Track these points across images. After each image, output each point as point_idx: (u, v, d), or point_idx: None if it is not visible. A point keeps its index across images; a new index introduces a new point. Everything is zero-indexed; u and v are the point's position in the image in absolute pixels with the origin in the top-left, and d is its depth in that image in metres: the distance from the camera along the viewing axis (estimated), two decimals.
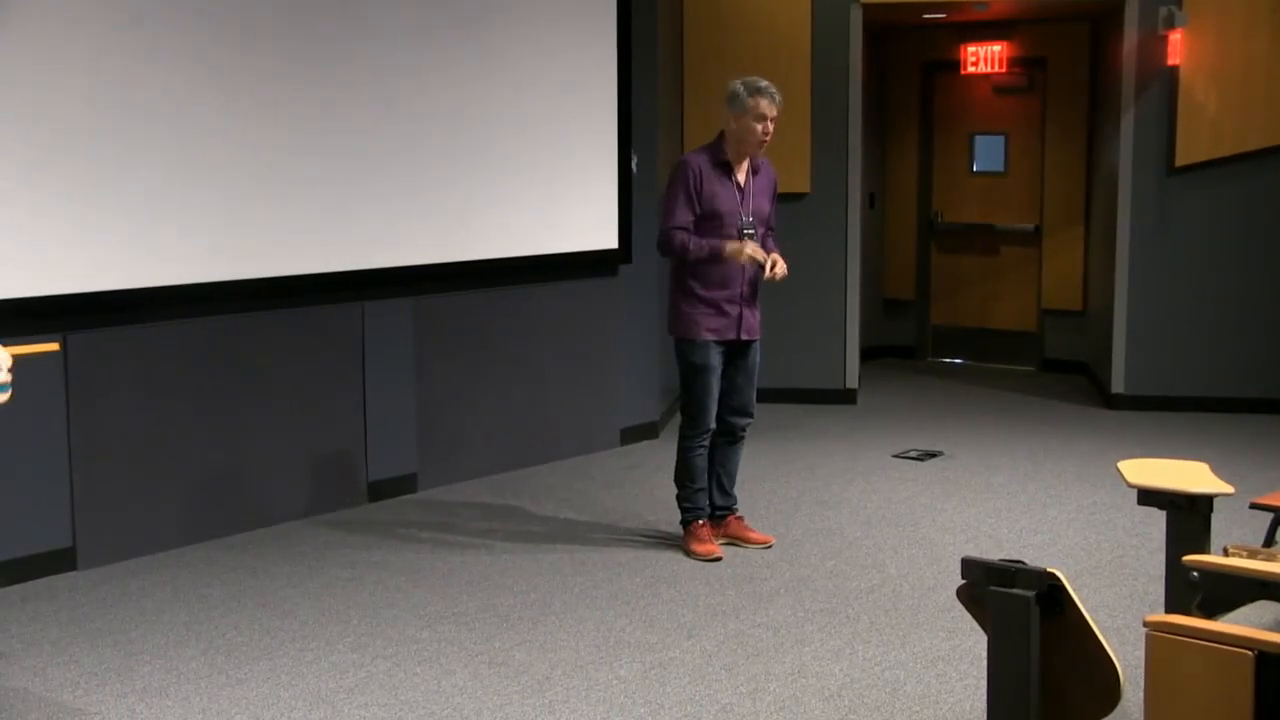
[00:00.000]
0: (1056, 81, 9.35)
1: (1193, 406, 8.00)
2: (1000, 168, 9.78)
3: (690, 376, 5.26)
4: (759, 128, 5.13)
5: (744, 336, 5.26)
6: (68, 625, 4.56)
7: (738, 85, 5.17)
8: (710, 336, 5.20)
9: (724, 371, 5.29)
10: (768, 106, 5.12)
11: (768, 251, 5.20)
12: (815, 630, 4.51)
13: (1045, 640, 2.96)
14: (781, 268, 5.17)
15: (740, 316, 5.23)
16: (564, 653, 4.31)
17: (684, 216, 5.16)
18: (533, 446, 6.73)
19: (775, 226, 5.45)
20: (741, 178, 5.24)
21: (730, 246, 5.10)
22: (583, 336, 6.93)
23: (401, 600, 4.81)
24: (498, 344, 6.54)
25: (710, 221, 5.17)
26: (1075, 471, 6.62)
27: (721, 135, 5.25)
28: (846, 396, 8.28)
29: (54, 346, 4.30)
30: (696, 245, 5.13)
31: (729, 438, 5.40)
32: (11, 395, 2.99)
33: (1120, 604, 4.72)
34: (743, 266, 5.19)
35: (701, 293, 5.19)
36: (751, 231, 5.21)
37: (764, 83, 5.17)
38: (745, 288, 5.23)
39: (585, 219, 6.84)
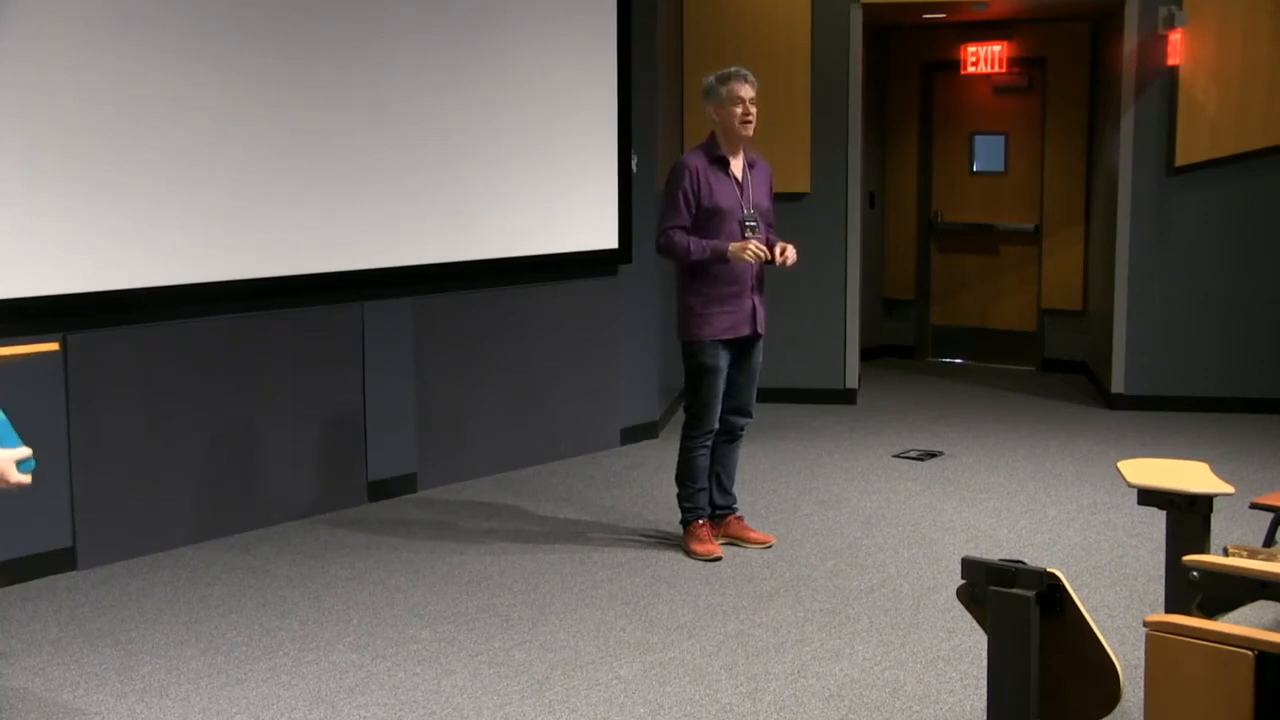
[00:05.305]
0: (1056, 81, 9.35)
1: (1193, 406, 8.00)
2: (1000, 168, 9.79)
3: (698, 377, 5.26)
4: (738, 111, 5.18)
5: (757, 330, 5.27)
6: (68, 625, 4.57)
7: (709, 79, 5.28)
8: (725, 336, 5.21)
9: (727, 371, 5.30)
10: (741, 88, 5.19)
11: (770, 247, 5.22)
12: (815, 630, 4.51)
13: (1045, 640, 2.96)
14: (791, 253, 5.20)
15: (753, 309, 5.25)
16: (564, 653, 4.32)
17: (680, 218, 5.17)
18: (533, 446, 6.73)
19: (774, 224, 5.46)
20: (739, 172, 5.26)
21: (733, 246, 5.11)
22: (583, 336, 6.93)
23: (401, 600, 4.81)
24: (498, 344, 6.54)
25: (713, 218, 5.18)
26: (1075, 471, 6.62)
27: (712, 134, 5.28)
28: (846, 396, 8.28)
29: (54, 346, 4.29)
30: (698, 246, 5.14)
31: (728, 437, 5.41)
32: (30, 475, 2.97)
33: (1120, 604, 4.72)
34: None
35: (713, 291, 5.19)
36: (754, 224, 5.22)
37: (733, 69, 5.26)
38: (754, 280, 5.25)
39: (585, 219, 6.84)
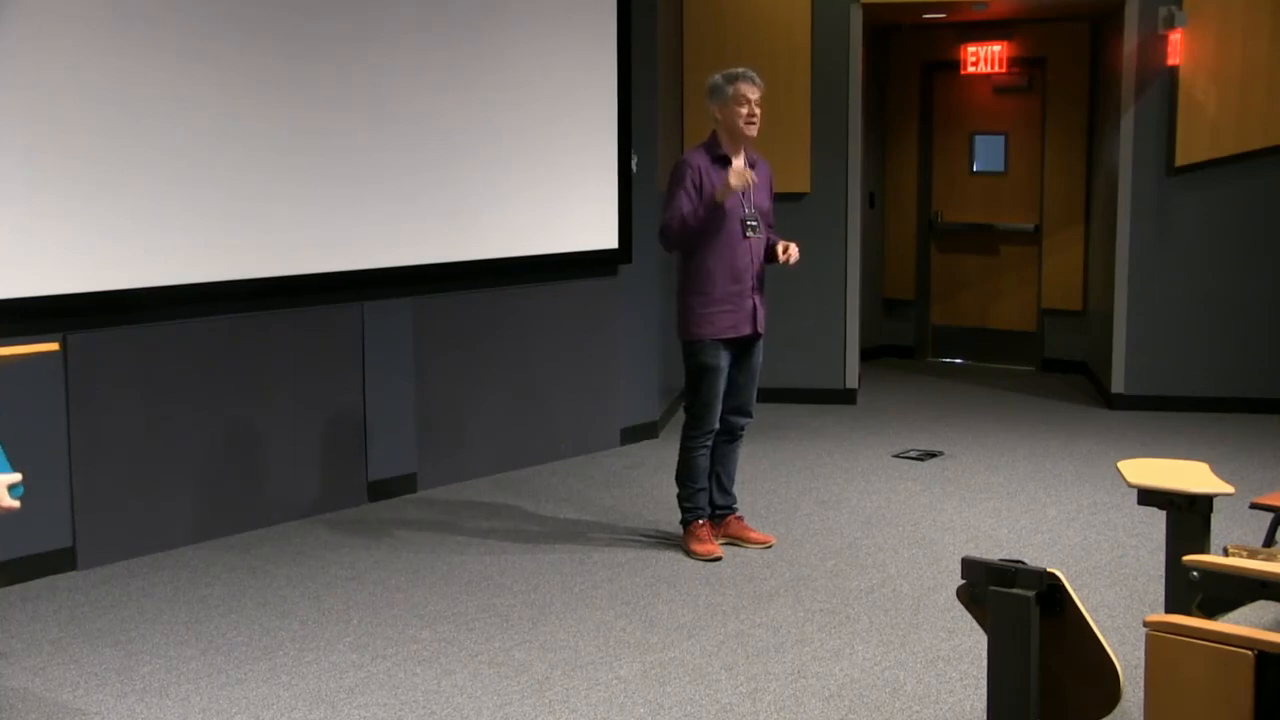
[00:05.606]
0: (1056, 81, 9.35)
1: (1193, 406, 8.00)
2: (1000, 168, 9.79)
3: (699, 377, 5.26)
4: (744, 111, 5.19)
5: (758, 329, 5.27)
6: (68, 625, 4.57)
7: (716, 77, 5.28)
8: (726, 335, 5.21)
9: (727, 370, 5.30)
10: (748, 89, 5.19)
11: (772, 247, 5.24)
12: (815, 630, 4.51)
13: (1045, 640, 2.96)
14: (794, 251, 5.23)
15: (753, 309, 5.25)
16: (564, 653, 4.32)
17: (685, 209, 5.16)
18: (533, 446, 6.73)
19: (774, 224, 5.47)
20: None
21: (719, 189, 5.09)
22: (583, 336, 6.93)
23: (401, 600, 4.81)
24: (498, 344, 6.54)
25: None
26: (1075, 471, 6.62)
27: (714, 133, 5.28)
28: (846, 396, 8.28)
29: (54, 346, 4.29)
30: (692, 208, 5.12)
31: (728, 437, 5.41)
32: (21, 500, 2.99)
33: (1120, 604, 4.73)
34: (750, 259, 5.21)
35: (714, 291, 5.19)
36: (755, 223, 5.23)
37: (740, 69, 5.26)
38: (755, 280, 5.25)
39: (585, 219, 6.84)
